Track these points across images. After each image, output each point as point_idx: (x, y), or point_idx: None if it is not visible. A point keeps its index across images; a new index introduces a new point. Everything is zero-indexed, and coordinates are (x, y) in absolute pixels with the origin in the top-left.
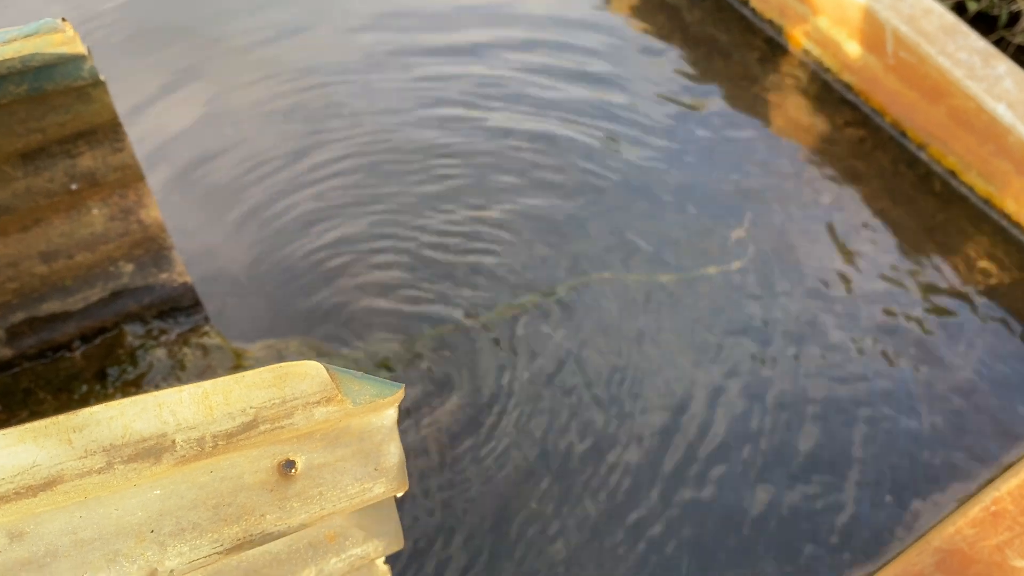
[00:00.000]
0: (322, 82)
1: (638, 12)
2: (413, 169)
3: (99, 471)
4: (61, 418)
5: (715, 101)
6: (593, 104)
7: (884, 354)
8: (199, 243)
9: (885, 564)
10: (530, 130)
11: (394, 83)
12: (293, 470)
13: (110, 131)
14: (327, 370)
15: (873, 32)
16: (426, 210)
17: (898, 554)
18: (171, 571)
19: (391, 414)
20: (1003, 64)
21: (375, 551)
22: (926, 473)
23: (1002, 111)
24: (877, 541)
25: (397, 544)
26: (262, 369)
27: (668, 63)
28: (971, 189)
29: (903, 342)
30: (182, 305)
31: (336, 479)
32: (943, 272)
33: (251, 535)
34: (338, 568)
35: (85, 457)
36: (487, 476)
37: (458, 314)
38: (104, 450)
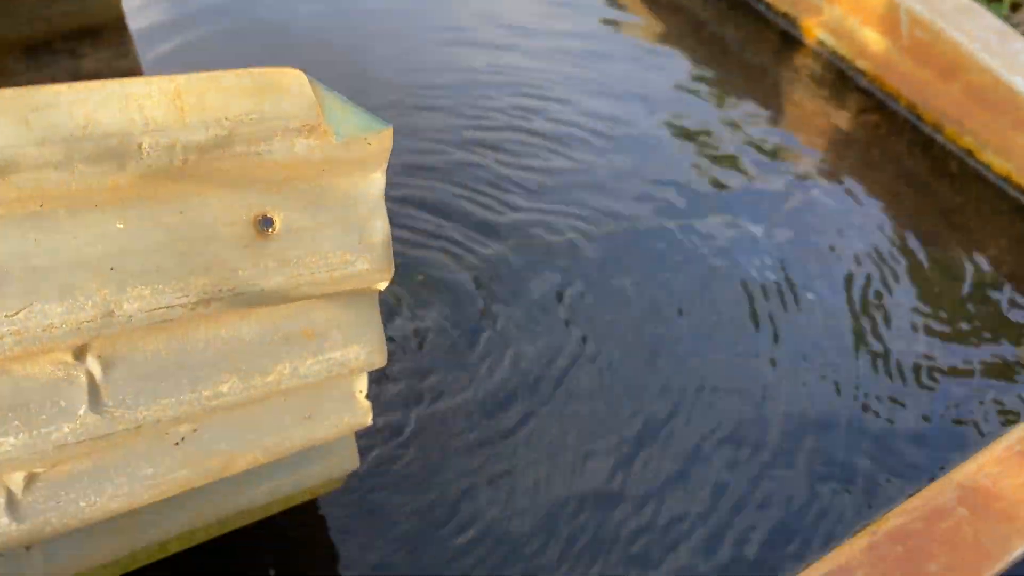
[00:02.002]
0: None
1: (651, 12)
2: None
3: (57, 166)
4: (21, 91)
5: (731, 96)
6: (607, 104)
7: (900, 339)
8: None
9: (906, 499)
10: (540, 126)
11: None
12: (271, 229)
13: (115, 33)
14: (310, 83)
15: (888, 14)
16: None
17: (918, 490)
18: (130, 316)
19: (378, 180)
20: (1020, 42)
21: (356, 360)
22: (952, 431)
23: (1020, 83)
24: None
25: (380, 358)
26: (240, 71)
27: (683, 61)
28: (988, 168)
29: (921, 324)
30: None
31: (316, 245)
32: (960, 255)
33: (220, 290)
34: (315, 370)
35: (43, 145)
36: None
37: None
38: (64, 140)
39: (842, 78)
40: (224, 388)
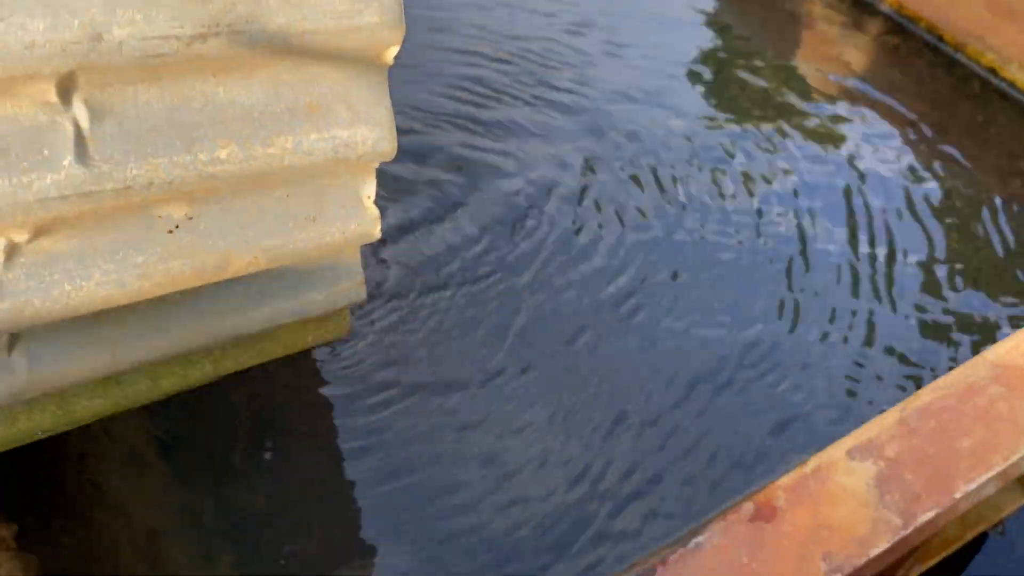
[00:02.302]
0: None
1: None
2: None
3: None
4: None
5: (748, 25)
6: (610, 39)
7: (930, 259)
8: None
9: (939, 377)
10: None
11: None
12: None
13: None
14: None
15: None
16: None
17: (951, 369)
18: (120, 43)
19: None
20: None
21: (363, 143)
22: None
23: None
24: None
25: (389, 145)
26: None
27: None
28: (1012, 84)
29: (950, 244)
30: None
31: None
32: (985, 175)
33: (218, 25)
34: (319, 147)
35: None
36: None
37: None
38: None
39: (858, 4)
40: (222, 154)
